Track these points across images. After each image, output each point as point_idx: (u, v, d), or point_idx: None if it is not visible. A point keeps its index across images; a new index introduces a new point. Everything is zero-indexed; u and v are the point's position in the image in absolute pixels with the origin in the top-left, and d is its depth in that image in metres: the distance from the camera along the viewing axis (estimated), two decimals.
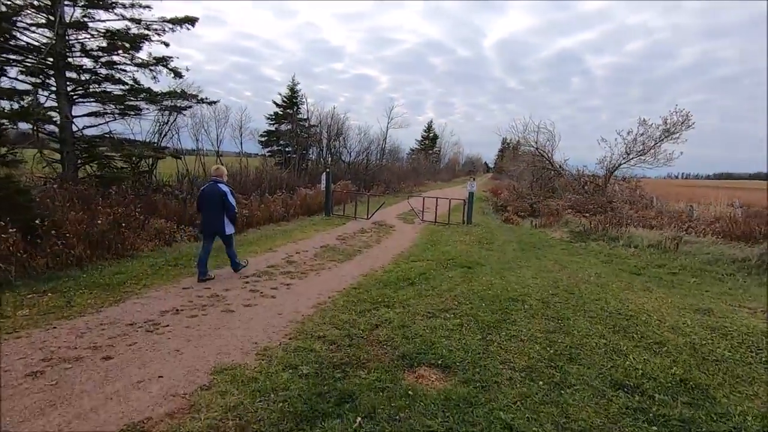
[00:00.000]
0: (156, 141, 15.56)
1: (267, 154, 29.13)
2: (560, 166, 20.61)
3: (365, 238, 10.02)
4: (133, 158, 14.67)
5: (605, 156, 19.92)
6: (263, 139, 29.08)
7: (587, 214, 14.63)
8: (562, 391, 3.03)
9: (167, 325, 4.17)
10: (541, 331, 4.18)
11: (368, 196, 13.72)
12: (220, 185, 6.00)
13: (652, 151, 18.80)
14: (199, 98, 15.53)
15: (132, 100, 14.10)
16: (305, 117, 28.17)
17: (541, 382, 3.16)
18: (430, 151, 63.33)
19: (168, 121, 16.54)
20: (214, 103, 15.39)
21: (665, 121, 18.41)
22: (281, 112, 29.56)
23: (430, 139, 66.46)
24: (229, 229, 6.14)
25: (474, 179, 12.45)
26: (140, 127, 24.17)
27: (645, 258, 7.90)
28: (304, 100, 28.84)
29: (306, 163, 27.97)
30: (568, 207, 15.90)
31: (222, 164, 20.86)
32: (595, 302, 5.22)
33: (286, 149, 29.09)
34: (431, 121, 65.42)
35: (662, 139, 18.61)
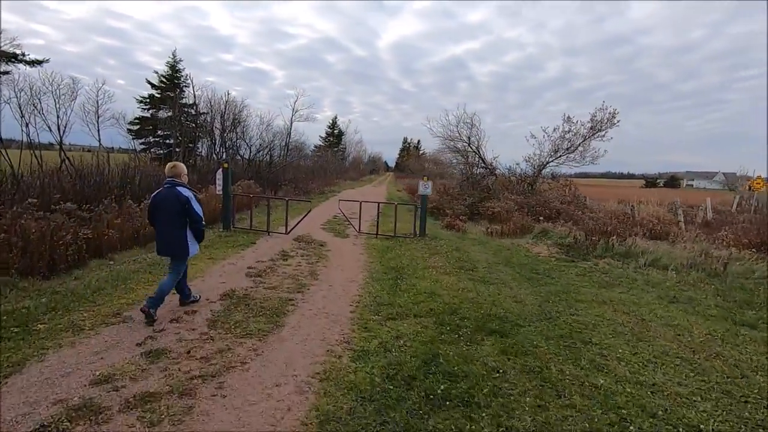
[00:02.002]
0: None
1: (140, 148, 23.05)
2: (491, 164, 19.13)
3: (292, 270, 6.50)
4: None
5: (534, 153, 18.95)
6: (134, 127, 22.98)
7: (541, 218, 12.95)
8: None
9: None
10: None
11: (287, 201, 10.05)
12: (179, 188, 4.36)
13: (581, 148, 18.26)
14: (12, 54, 10.24)
15: None
16: (192, 102, 22.88)
17: None
18: (336, 149, 59.95)
19: None
20: (39, 63, 10.24)
21: (592, 118, 17.94)
22: (159, 95, 23.73)
23: (335, 135, 63.23)
24: (194, 248, 4.50)
25: (428, 179, 9.69)
26: None
27: (705, 289, 5.82)
28: (189, 81, 23.42)
29: (194, 159, 22.75)
30: (514, 210, 14.17)
31: (67, 158, 15.05)
32: None
33: (167, 141, 23.39)
34: (336, 117, 61.81)
35: (590, 137, 18.13)
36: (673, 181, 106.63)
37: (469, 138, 18.34)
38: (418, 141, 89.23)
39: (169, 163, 4.56)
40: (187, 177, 4.62)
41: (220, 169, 9.82)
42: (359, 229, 10.33)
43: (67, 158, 15.01)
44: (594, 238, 7.89)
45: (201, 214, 4.41)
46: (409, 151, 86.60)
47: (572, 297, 5.35)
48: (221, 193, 9.84)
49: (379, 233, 9.99)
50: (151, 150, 23.52)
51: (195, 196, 4.43)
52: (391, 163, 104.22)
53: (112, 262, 6.54)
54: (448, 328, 4.17)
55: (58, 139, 16.39)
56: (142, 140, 22.76)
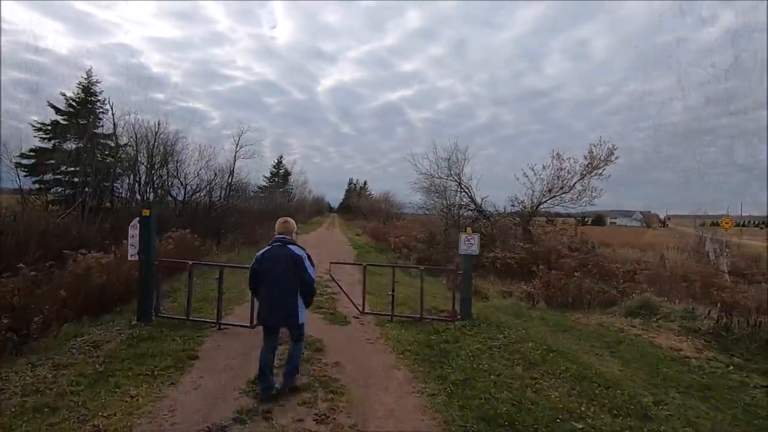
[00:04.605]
0: None
1: (35, 188, 17.70)
2: (481, 206, 16.56)
3: None
4: None
5: (525, 194, 16.75)
6: (27, 162, 17.75)
7: (577, 273, 10.22)
8: None
9: None
10: None
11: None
12: (291, 247, 3.75)
13: (579, 187, 16.34)
14: None
15: None
16: (109, 132, 18.38)
17: None
18: (282, 189, 55.77)
19: None
20: None
21: (590, 154, 16.23)
22: (65, 121, 18.83)
23: (281, 175, 59.23)
24: (303, 315, 3.80)
25: (473, 231, 6.48)
26: None
27: None
28: (108, 106, 18.81)
29: (111, 202, 17.92)
30: (537, 263, 11.45)
31: None
32: None
33: (74, 179, 18.35)
34: (281, 157, 58.07)
35: (587, 174, 16.33)
36: (599, 220, 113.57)
37: (459, 176, 15.75)
38: (365, 182, 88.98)
39: (279, 219, 4.07)
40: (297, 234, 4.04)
41: (135, 220, 5.92)
42: (363, 309, 6.76)
43: None
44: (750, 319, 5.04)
45: (315, 276, 3.83)
46: (357, 192, 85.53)
47: None
48: (135, 258, 5.89)
49: (394, 314, 6.50)
50: (51, 190, 18.27)
51: (308, 255, 3.81)
52: (334, 204, 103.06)
53: None
54: None
55: None
56: (38, 178, 17.53)
